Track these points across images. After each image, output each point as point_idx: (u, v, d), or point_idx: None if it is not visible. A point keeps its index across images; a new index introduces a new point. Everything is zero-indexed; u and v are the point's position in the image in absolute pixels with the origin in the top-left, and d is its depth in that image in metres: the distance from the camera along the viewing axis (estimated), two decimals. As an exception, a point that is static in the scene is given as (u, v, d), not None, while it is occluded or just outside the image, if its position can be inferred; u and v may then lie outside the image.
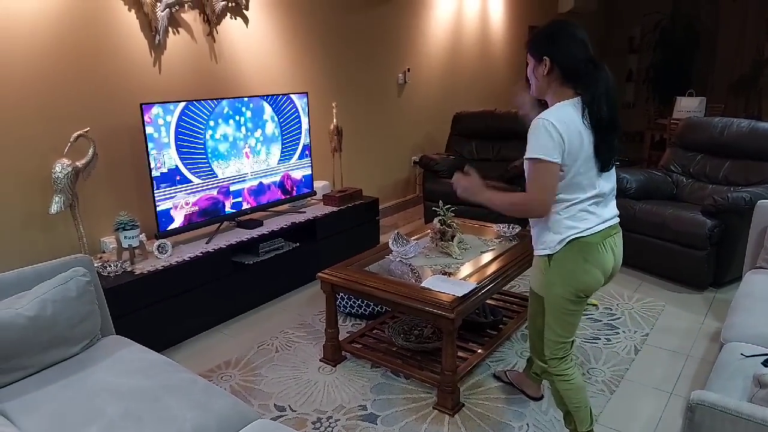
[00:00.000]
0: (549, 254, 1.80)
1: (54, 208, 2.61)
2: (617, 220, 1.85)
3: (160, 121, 2.88)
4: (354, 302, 3.09)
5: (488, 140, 5.02)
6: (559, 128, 1.65)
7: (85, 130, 2.68)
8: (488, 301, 3.08)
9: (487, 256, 2.76)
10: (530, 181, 1.71)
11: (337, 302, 3.06)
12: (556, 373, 1.93)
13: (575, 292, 1.80)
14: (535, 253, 1.87)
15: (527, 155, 1.70)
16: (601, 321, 3.07)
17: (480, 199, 1.86)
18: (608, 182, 1.81)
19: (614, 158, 1.79)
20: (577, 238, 1.75)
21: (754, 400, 1.35)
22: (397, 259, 2.74)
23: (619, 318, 3.11)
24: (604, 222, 1.79)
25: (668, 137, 6.03)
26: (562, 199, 1.75)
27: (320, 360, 2.73)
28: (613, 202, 1.87)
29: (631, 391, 2.46)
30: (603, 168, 1.76)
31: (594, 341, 2.85)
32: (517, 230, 3.04)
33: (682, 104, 6.30)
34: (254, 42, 3.70)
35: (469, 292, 2.32)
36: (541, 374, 2.18)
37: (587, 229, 1.75)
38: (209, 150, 3.14)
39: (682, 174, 4.04)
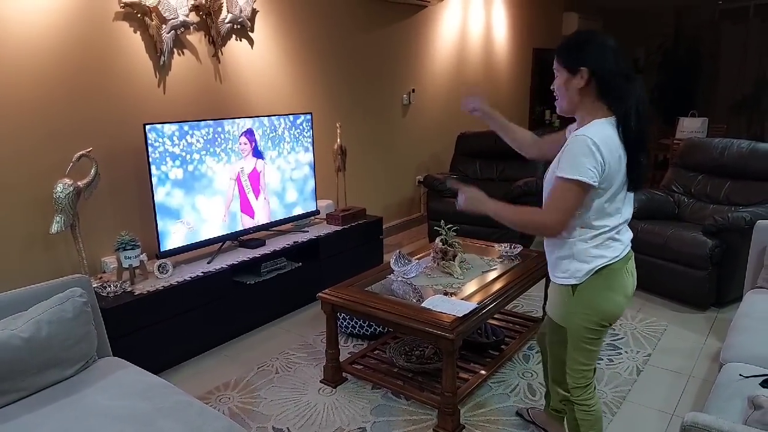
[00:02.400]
0: (575, 284, 1.71)
1: (55, 228, 2.62)
2: (631, 243, 1.81)
3: (163, 140, 2.90)
4: (355, 322, 3.08)
5: (492, 160, 5.04)
6: (603, 150, 1.55)
7: (88, 150, 2.70)
8: (490, 321, 3.06)
9: (489, 276, 2.75)
10: (555, 199, 1.60)
11: (339, 322, 3.04)
12: (578, 402, 1.85)
13: (600, 321, 1.73)
14: (557, 282, 1.77)
15: (564, 173, 1.57)
16: (604, 341, 3.04)
17: (485, 209, 1.77)
18: (630, 206, 1.75)
19: (645, 178, 1.72)
20: (604, 266, 1.68)
21: (749, 422, 1.34)
22: (399, 279, 2.73)
23: (621, 338, 3.08)
24: (626, 247, 1.73)
25: (671, 157, 6.03)
26: (591, 226, 1.66)
27: (320, 381, 2.71)
28: (627, 225, 1.80)
29: (633, 413, 2.42)
30: (635, 188, 1.70)
31: (596, 362, 2.82)
32: (519, 250, 3.04)
33: (685, 125, 6.32)
34: (259, 63, 3.75)
35: (470, 312, 2.31)
36: (561, 402, 2.07)
37: (614, 257, 1.68)
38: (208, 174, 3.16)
39: (683, 194, 4.03)
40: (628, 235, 1.77)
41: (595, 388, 1.87)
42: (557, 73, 1.69)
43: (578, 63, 1.62)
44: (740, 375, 1.87)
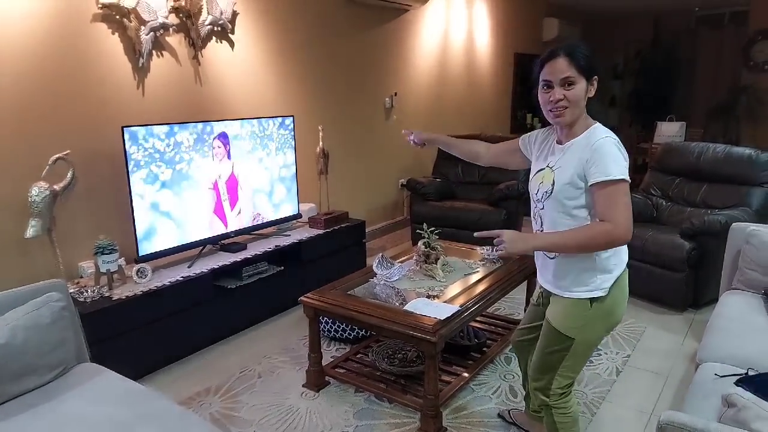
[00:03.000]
0: (599, 296, 1.66)
1: (30, 232, 2.57)
2: None
3: (142, 143, 2.87)
4: (338, 326, 3.07)
5: (473, 164, 5.06)
6: (622, 149, 1.60)
7: (65, 152, 2.66)
8: (472, 324, 3.07)
9: (471, 279, 2.76)
10: (615, 205, 1.52)
11: (321, 326, 3.03)
12: (556, 406, 1.85)
13: (611, 327, 1.75)
14: (578, 296, 1.69)
15: (607, 177, 1.52)
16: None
17: (531, 246, 1.69)
18: None
19: None
20: (622, 272, 1.68)
21: (723, 420, 1.37)
22: (382, 282, 2.73)
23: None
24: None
25: (649, 161, 6.14)
26: None
27: (303, 386, 2.69)
28: None
29: (612, 413, 2.45)
30: None
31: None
32: (500, 253, 3.05)
33: (663, 129, 6.44)
34: (240, 65, 3.73)
35: (452, 315, 2.31)
36: (540, 406, 2.02)
37: (626, 261, 1.70)
38: (188, 174, 3.13)
39: (661, 197, 4.10)
40: None
41: (573, 393, 1.89)
42: (576, 83, 1.60)
43: (594, 71, 1.63)
44: (716, 374, 1.91)
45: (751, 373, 1.84)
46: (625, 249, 1.72)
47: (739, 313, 2.43)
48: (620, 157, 1.57)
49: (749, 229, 2.71)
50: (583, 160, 1.60)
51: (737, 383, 1.75)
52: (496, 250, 1.65)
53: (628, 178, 1.57)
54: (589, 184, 1.58)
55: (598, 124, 1.67)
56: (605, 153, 1.56)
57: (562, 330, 1.74)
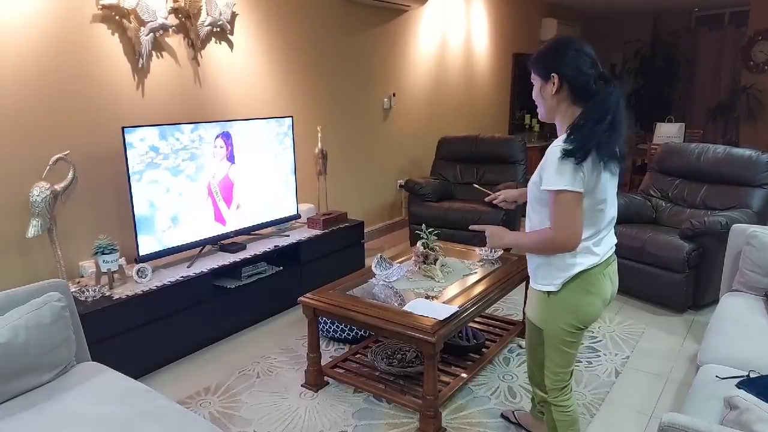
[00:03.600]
0: (551, 290, 1.73)
1: (31, 232, 2.58)
2: (614, 248, 1.81)
3: (142, 144, 2.87)
4: (337, 326, 3.07)
5: (472, 164, 5.08)
6: None
7: (65, 153, 2.66)
8: (471, 325, 3.08)
9: (470, 280, 2.76)
10: (555, 214, 1.59)
11: (321, 326, 3.04)
12: (555, 403, 1.88)
13: (577, 324, 1.74)
14: (535, 287, 1.79)
15: (549, 186, 1.58)
16: (582, 344, 3.07)
17: (507, 242, 1.81)
18: (611, 212, 1.74)
19: (616, 184, 1.73)
20: (581, 272, 1.69)
21: (725, 422, 1.37)
22: (380, 283, 2.73)
23: (600, 341, 3.12)
24: (605, 253, 1.74)
25: (648, 162, 6.14)
26: None
27: (302, 386, 2.70)
28: (612, 231, 1.79)
29: (611, 415, 2.45)
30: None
31: (575, 364, 2.85)
32: (499, 254, 3.06)
33: (662, 130, 6.44)
34: (239, 66, 3.74)
35: (451, 315, 2.32)
36: (540, 404, 2.10)
37: (592, 264, 1.69)
38: (187, 173, 3.14)
39: (661, 198, 4.10)
40: (609, 241, 1.77)
41: (571, 390, 1.90)
42: (534, 81, 1.73)
43: (549, 70, 1.65)
44: (717, 376, 1.91)
45: (752, 375, 1.84)
46: (593, 252, 1.69)
47: (739, 315, 2.43)
48: (564, 166, 1.55)
49: (750, 230, 2.71)
50: (542, 163, 1.66)
51: (739, 385, 1.75)
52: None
53: (573, 187, 1.55)
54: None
55: None
56: (549, 162, 1.59)
57: (532, 319, 1.86)
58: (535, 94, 1.74)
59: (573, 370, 1.89)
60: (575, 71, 1.62)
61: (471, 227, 1.98)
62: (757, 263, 2.62)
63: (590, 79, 1.62)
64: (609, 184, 1.69)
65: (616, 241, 1.81)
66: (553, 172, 1.57)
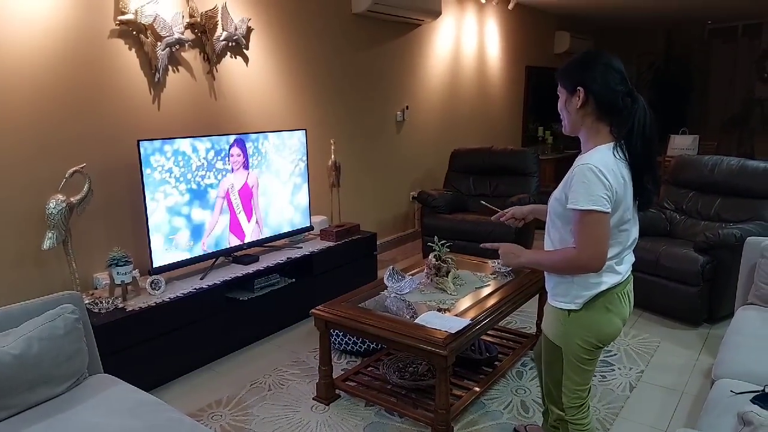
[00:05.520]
0: (572, 309, 1.70)
1: (47, 244, 2.61)
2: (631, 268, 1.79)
3: (157, 157, 2.91)
4: (349, 339, 3.06)
5: (485, 176, 5.08)
6: (608, 176, 1.54)
7: (81, 166, 2.71)
8: (483, 338, 3.05)
9: (483, 292, 2.75)
10: (581, 234, 1.56)
11: (332, 339, 3.03)
12: (572, 421, 1.85)
13: (596, 342, 1.72)
14: (554, 305, 1.75)
15: (576, 205, 1.55)
16: (598, 360, 3.03)
17: (523, 261, 1.77)
18: (634, 232, 1.72)
19: (651, 199, 1.71)
20: (603, 291, 1.67)
21: (741, 439, 1.35)
22: (392, 295, 2.73)
23: (614, 354, 3.08)
24: (626, 271, 1.72)
25: (662, 174, 6.09)
26: None
27: (313, 398, 2.69)
28: (632, 250, 1.77)
29: (625, 430, 2.41)
30: (640, 208, 1.70)
31: (591, 382, 2.82)
32: (512, 266, 3.05)
33: (676, 142, 6.39)
34: (254, 80, 3.78)
35: (463, 328, 2.30)
36: (556, 421, 2.06)
37: (615, 283, 1.67)
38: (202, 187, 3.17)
39: (675, 211, 4.07)
40: (630, 259, 1.76)
41: (589, 407, 1.87)
42: (559, 94, 1.71)
43: (575, 83, 1.63)
44: (731, 391, 1.88)
45: (767, 390, 1.81)
46: (616, 271, 1.67)
47: (755, 329, 2.39)
48: (593, 186, 1.53)
49: (764, 243, 2.68)
50: (568, 181, 1.62)
51: (753, 400, 1.72)
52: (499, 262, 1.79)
53: (601, 207, 1.52)
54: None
55: (600, 147, 1.62)
56: (578, 181, 1.57)
57: (549, 336, 1.81)
58: (560, 107, 1.71)
59: (591, 387, 1.86)
60: (602, 86, 1.60)
61: (482, 245, 1.93)
62: (774, 277, 2.59)
63: (617, 96, 1.60)
64: (633, 203, 1.68)
65: (634, 259, 1.79)
66: (581, 190, 1.54)
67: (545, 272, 1.80)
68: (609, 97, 1.60)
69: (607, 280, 1.66)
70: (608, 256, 1.61)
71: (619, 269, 1.69)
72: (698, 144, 6.36)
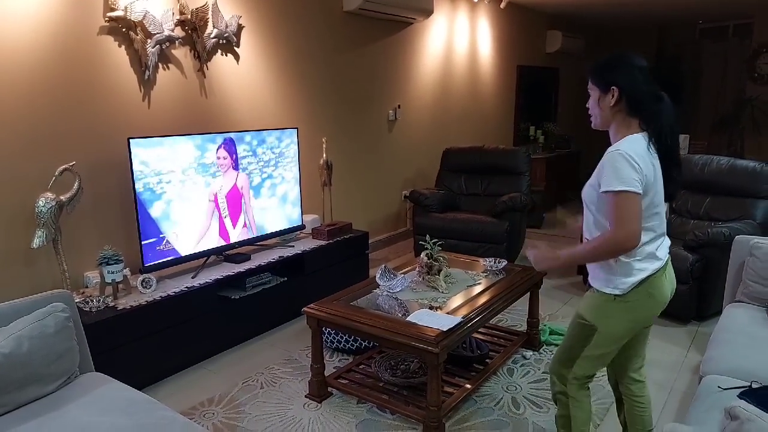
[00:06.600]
0: (618, 294, 1.76)
1: (36, 243, 2.60)
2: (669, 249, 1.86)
3: (147, 154, 2.90)
4: (341, 337, 3.07)
5: (477, 175, 5.09)
6: (638, 161, 1.65)
7: (71, 164, 2.69)
8: (475, 335, 3.07)
9: (474, 290, 2.76)
10: (615, 214, 1.65)
11: (325, 337, 3.04)
12: (574, 395, 1.93)
13: (636, 325, 1.83)
14: (601, 289, 1.81)
15: (608, 188, 1.65)
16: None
17: (560, 262, 1.83)
18: (664, 216, 1.83)
19: (678, 189, 1.84)
20: (647, 276, 1.74)
21: (725, 433, 1.37)
22: (384, 293, 2.74)
23: (605, 353, 3.10)
24: (665, 255, 1.80)
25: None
26: None
27: (306, 396, 2.69)
28: (666, 235, 1.86)
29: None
30: (670, 198, 1.80)
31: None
32: (504, 264, 3.06)
33: (666, 141, 6.43)
34: (245, 78, 3.78)
35: (455, 326, 2.32)
36: (556, 395, 2.09)
37: (656, 268, 1.75)
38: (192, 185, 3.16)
39: (665, 209, 4.09)
40: (666, 243, 1.84)
41: (590, 390, 1.95)
42: (591, 92, 1.81)
43: (609, 82, 1.74)
44: (719, 387, 1.90)
45: (754, 386, 1.84)
46: (655, 256, 1.76)
47: (742, 326, 2.42)
48: (624, 169, 1.63)
49: (753, 241, 2.70)
50: (600, 168, 1.73)
51: (740, 396, 1.74)
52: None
53: (632, 188, 1.62)
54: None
55: (630, 136, 1.72)
56: (609, 165, 1.67)
57: (587, 316, 1.87)
58: (591, 104, 1.82)
59: (596, 374, 1.93)
60: (633, 85, 1.72)
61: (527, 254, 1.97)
62: (760, 274, 2.61)
63: (645, 94, 1.73)
64: (662, 189, 1.77)
65: (670, 242, 1.87)
66: (613, 174, 1.64)
67: (589, 266, 1.86)
68: (639, 95, 1.72)
69: (648, 266, 1.74)
70: (644, 240, 1.71)
71: (659, 254, 1.77)
72: (689, 143, 6.40)
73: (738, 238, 2.86)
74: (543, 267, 1.89)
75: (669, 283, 1.83)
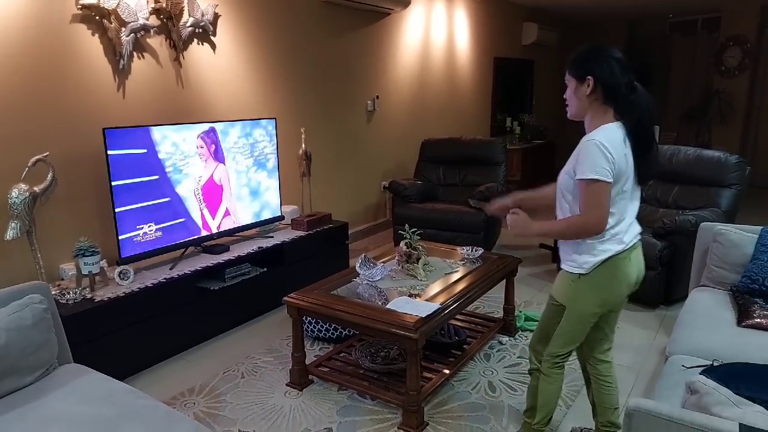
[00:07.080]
0: (582, 273, 1.86)
1: (10, 234, 2.56)
2: (640, 236, 1.94)
3: (123, 145, 2.87)
4: (322, 326, 3.10)
5: (455, 166, 5.15)
6: (611, 150, 1.72)
7: (44, 154, 2.65)
8: (452, 322, 3.13)
9: (452, 278, 2.82)
10: (586, 200, 1.76)
11: (305, 326, 3.06)
12: (545, 372, 2.02)
13: (602, 306, 1.91)
14: (565, 268, 1.92)
15: (581, 176, 1.75)
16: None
17: (531, 231, 1.92)
18: (636, 204, 1.91)
19: (652, 174, 1.93)
20: (608, 257, 1.83)
21: (686, 406, 1.44)
22: (364, 282, 2.77)
23: (578, 337, 3.19)
24: (631, 240, 1.88)
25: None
26: None
27: (287, 384, 2.72)
28: (636, 221, 1.93)
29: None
30: (642, 181, 1.87)
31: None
32: (480, 253, 3.13)
33: (637, 132, 6.58)
34: (222, 68, 3.75)
35: (433, 312, 2.37)
36: (530, 371, 2.17)
37: (619, 250, 1.84)
38: (171, 176, 3.14)
39: (636, 198, 4.21)
40: (634, 229, 1.91)
41: (563, 368, 2.03)
42: (568, 83, 1.88)
43: (585, 72, 1.81)
44: (683, 366, 2.00)
45: (716, 363, 1.93)
46: (619, 239, 1.84)
47: (706, 309, 2.53)
48: (597, 159, 1.72)
49: (716, 228, 2.81)
50: (575, 156, 1.81)
51: (702, 373, 1.82)
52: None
53: (603, 177, 1.72)
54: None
55: (604, 126, 1.79)
56: (582, 153, 1.77)
57: (558, 298, 1.98)
58: (568, 94, 1.89)
59: (571, 351, 2.01)
60: (608, 75, 1.79)
61: (473, 203, 2.07)
62: (723, 259, 2.73)
63: (621, 84, 1.79)
64: (634, 177, 1.84)
65: (641, 229, 1.95)
66: (587, 163, 1.73)
67: (560, 242, 1.97)
68: (614, 84, 1.79)
69: (611, 248, 1.83)
70: (610, 223, 1.80)
71: (624, 238, 1.85)
72: (659, 134, 6.57)
73: (703, 225, 2.97)
74: (517, 231, 1.97)
75: (635, 267, 1.92)
